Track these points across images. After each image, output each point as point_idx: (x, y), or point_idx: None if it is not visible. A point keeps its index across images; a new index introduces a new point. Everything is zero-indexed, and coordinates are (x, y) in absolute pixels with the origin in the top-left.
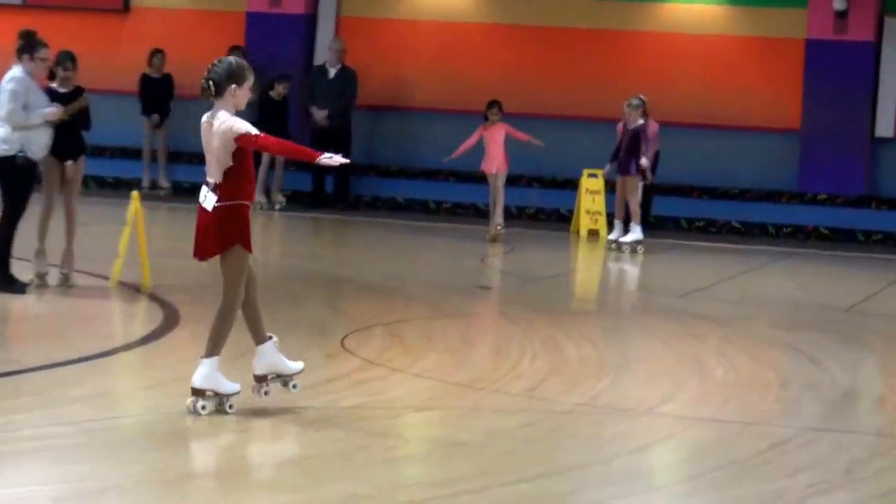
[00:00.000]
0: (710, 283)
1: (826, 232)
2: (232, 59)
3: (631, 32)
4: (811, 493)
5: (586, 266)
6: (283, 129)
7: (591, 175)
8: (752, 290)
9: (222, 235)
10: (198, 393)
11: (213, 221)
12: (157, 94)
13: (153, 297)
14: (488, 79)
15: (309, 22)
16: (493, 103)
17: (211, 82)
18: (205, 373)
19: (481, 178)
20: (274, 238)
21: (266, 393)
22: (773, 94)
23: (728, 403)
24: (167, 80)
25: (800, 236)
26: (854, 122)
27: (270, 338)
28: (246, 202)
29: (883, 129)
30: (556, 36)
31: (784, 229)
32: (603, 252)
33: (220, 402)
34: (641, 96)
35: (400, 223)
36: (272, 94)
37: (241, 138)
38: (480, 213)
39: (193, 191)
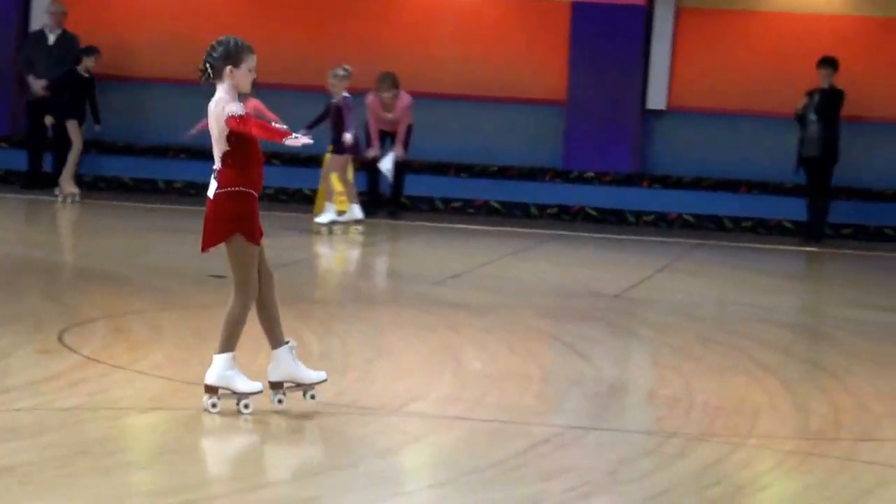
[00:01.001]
0: (468, 269)
1: (593, 212)
2: (230, 39)
3: None
4: (571, 497)
5: (331, 251)
6: (93, 107)
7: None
8: (514, 275)
9: (221, 224)
10: (210, 390)
11: (213, 210)
12: None
13: None
14: None
15: None
16: None
17: (207, 65)
18: (217, 370)
19: None
20: None
21: (280, 401)
22: (536, 62)
23: (484, 400)
24: None
25: (565, 217)
26: (624, 94)
27: (287, 342)
28: (249, 190)
29: (655, 101)
30: None
31: (548, 210)
32: (350, 236)
33: (237, 401)
34: (346, 66)
35: (126, 205)
36: (79, 69)
37: (229, 120)
38: None
39: None
